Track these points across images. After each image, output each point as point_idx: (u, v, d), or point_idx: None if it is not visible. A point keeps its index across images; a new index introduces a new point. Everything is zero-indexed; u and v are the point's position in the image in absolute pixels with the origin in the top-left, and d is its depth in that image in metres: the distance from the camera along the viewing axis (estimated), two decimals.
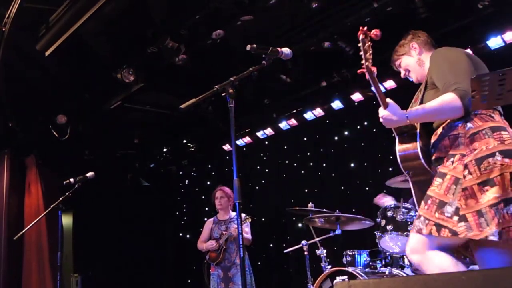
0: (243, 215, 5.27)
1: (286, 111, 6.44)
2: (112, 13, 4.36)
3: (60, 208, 4.42)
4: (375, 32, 2.21)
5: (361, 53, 2.19)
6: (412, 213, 3.75)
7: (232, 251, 5.08)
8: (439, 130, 2.29)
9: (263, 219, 6.83)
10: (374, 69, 2.19)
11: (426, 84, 2.36)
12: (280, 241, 6.59)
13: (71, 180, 4.66)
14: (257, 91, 6.02)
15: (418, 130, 2.26)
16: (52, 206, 4.45)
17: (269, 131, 6.73)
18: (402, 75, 2.65)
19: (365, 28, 2.20)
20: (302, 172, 6.61)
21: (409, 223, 3.73)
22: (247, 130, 6.92)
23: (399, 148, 2.30)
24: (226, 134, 6.66)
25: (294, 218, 6.54)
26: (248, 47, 2.48)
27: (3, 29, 4.56)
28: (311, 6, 4.40)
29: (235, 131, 2.37)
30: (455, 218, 2.04)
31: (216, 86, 2.36)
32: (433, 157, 2.28)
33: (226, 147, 7.27)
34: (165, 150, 7.77)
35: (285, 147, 6.92)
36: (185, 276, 7.72)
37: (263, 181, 7.15)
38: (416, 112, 2.20)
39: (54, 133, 6.21)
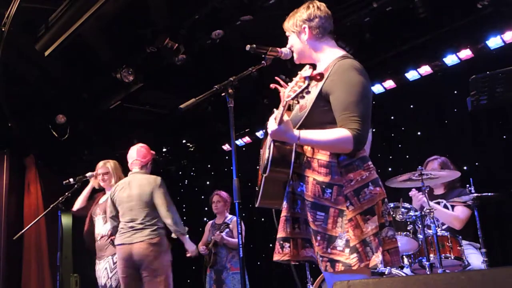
0: (231, 219, 5.32)
1: None
2: (111, 13, 4.37)
3: (60, 208, 4.43)
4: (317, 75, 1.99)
5: (298, 91, 2.00)
6: (411, 212, 3.75)
7: (223, 256, 5.17)
8: (309, 148, 2.19)
9: (263, 219, 6.82)
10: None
11: (320, 95, 2.17)
12: None
13: (71, 180, 4.68)
14: (256, 91, 6.01)
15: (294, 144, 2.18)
16: (51, 206, 4.46)
17: None
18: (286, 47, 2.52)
19: (312, 71, 1.99)
20: None
21: (408, 222, 3.74)
22: (246, 130, 6.91)
23: (272, 149, 2.21)
24: (225, 134, 6.65)
25: None
26: (248, 47, 2.47)
27: (3, 29, 4.56)
28: None
29: (235, 131, 2.37)
30: (347, 250, 2.00)
31: (216, 86, 2.36)
32: (298, 171, 2.19)
33: (226, 147, 7.26)
34: (164, 150, 7.76)
35: None
36: (185, 276, 7.71)
37: None
38: (308, 140, 2.11)
39: (54, 133, 6.21)
